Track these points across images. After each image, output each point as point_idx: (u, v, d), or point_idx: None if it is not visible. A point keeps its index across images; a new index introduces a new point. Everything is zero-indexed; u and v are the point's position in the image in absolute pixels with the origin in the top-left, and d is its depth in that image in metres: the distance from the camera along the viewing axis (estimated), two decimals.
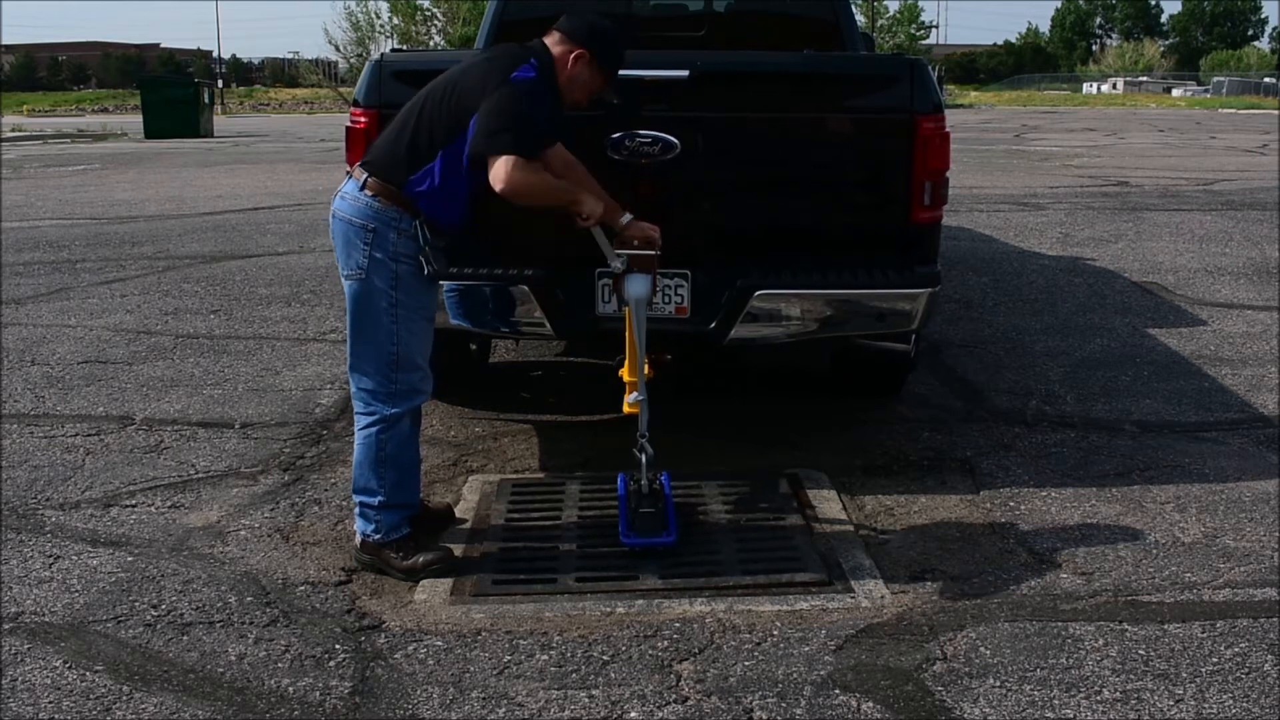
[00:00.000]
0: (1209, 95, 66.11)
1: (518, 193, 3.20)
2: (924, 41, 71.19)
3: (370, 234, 3.26)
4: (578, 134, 3.58)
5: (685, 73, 3.87)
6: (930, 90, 3.94)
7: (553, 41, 3.38)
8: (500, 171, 3.16)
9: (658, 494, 3.62)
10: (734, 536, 3.64)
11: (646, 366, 3.68)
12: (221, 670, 2.85)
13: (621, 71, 3.55)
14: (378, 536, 3.42)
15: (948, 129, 3.98)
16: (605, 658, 2.91)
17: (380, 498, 3.41)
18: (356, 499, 3.47)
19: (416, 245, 3.28)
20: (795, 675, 2.82)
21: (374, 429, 3.39)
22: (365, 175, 3.30)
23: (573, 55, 3.35)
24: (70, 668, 2.85)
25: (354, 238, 3.28)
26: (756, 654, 2.92)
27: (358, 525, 3.47)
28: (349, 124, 3.94)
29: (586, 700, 2.71)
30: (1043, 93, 74.00)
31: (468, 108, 3.24)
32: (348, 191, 3.33)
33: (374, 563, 3.43)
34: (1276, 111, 44.09)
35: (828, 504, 3.94)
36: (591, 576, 3.37)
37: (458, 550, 3.53)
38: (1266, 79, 69.94)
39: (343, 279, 3.37)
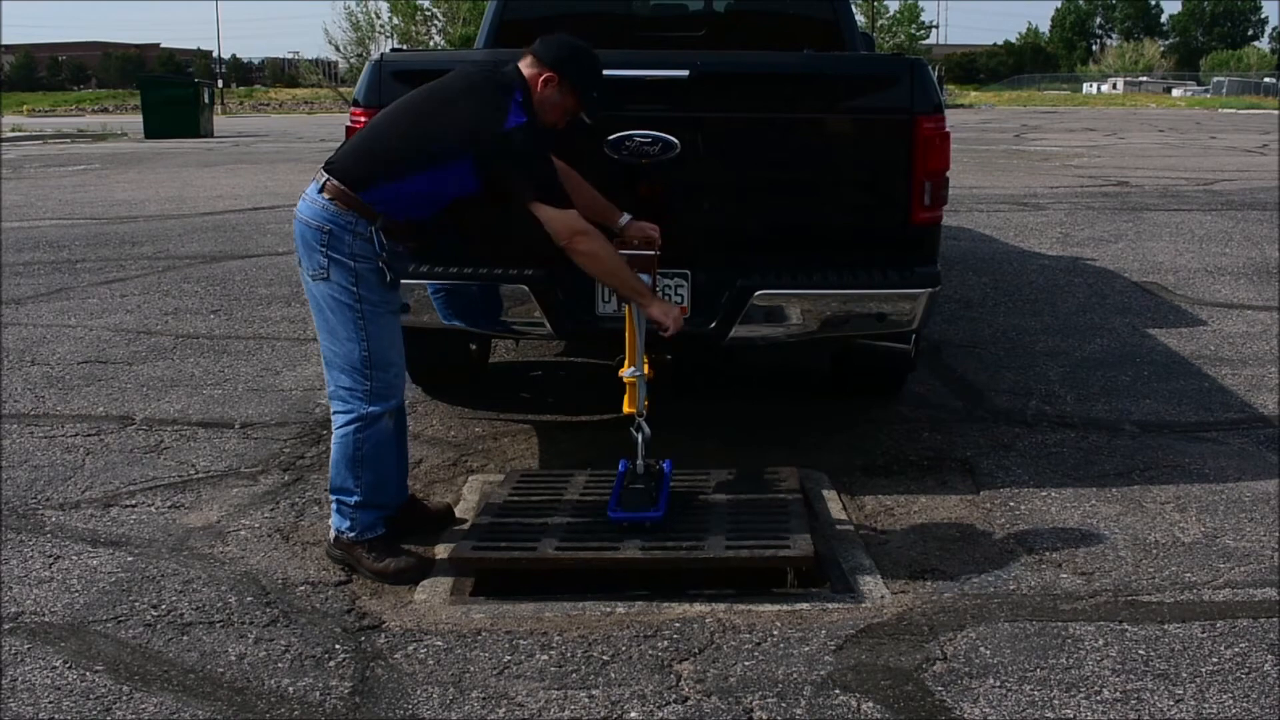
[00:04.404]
0: (1209, 95, 66.11)
1: (579, 257, 3.35)
2: (924, 41, 71.26)
3: (326, 235, 3.27)
4: (577, 134, 3.58)
5: (685, 73, 3.87)
6: (930, 90, 3.94)
7: (525, 65, 3.39)
8: (559, 227, 3.27)
9: (653, 474, 3.62)
10: (727, 518, 3.61)
11: (646, 367, 3.67)
12: (221, 670, 2.85)
13: (623, 72, 3.54)
14: (352, 535, 3.42)
15: (948, 129, 3.98)
16: (605, 658, 2.91)
17: (357, 497, 3.41)
18: (333, 497, 3.47)
19: (373, 249, 3.30)
20: (795, 675, 2.82)
21: (351, 428, 3.39)
22: (326, 178, 3.32)
23: (542, 78, 3.36)
24: (70, 668, 2.85)
25: (311, 239, 3.30)
26: (756, 654, 2.92)
27: (333, 520, 3.48)
28: (349, 124, 3.95)
29: (586, 700, 2.71)
30: (1043, 93, 74.01)
31: (458, 144, 3.27)
32: (309, 193, 3.35)
33: (345, 559, 3.43)
34: (1276, 111, 44.10)
35: (828, 504, 3.94)
36: (571, 546, 3.38)
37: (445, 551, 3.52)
38: (1266, 79, 69.96)
39: (305, 280, 3.38)
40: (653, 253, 3.56)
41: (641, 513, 3.48)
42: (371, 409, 3.37)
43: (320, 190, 3.30)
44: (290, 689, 2.77)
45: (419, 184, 3.30)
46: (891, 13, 66.34)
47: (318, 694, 2.75)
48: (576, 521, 3.58)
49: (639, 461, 3.60)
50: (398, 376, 3.45)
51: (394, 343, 3.42)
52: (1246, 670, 2.84)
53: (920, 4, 72.04)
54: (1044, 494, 4.06)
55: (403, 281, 3.52)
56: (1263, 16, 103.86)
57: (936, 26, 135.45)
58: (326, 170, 3.34)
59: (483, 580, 3.38)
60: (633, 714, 2.66)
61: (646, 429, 3.61)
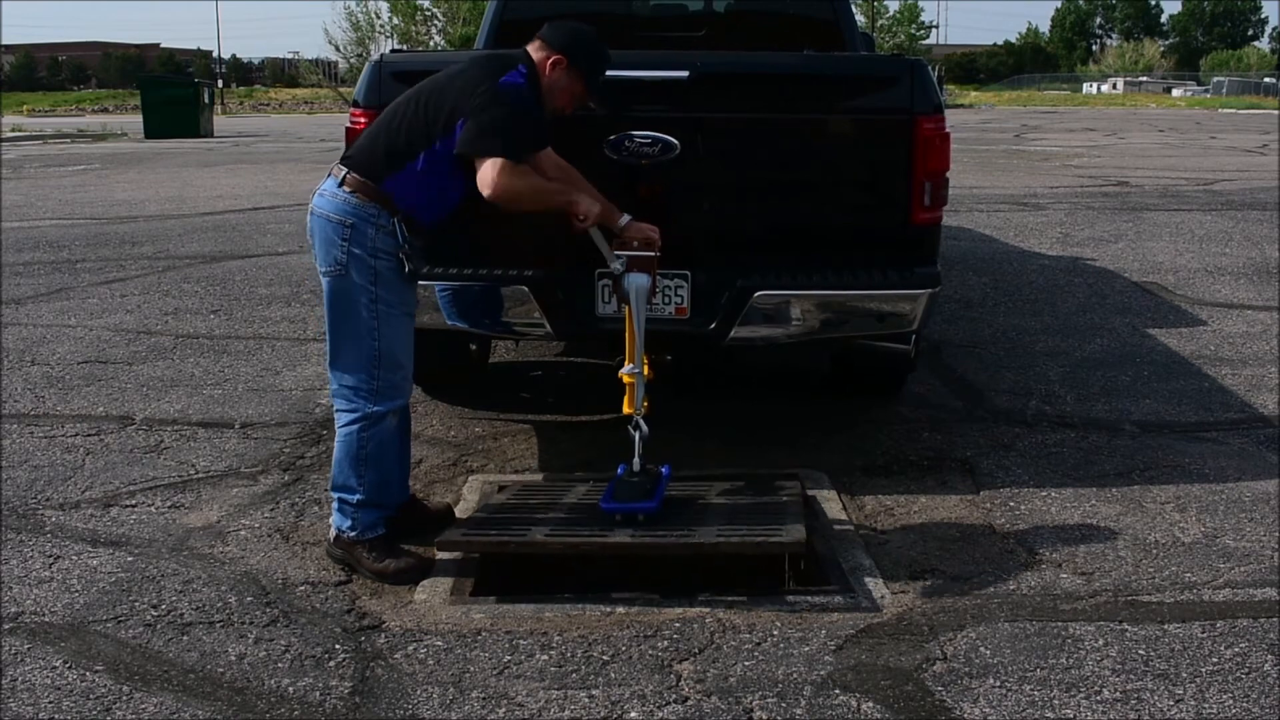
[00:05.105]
0: (1209, 95, 66.12)
1: (507, 197, 3.23)
2: (924, 41, 71.27)
3: (348, 230, 3.27)
4: (577, 134, 3.58)
5: (685, 73, 3.87)
6: (930, 91, 3.94)
7: (534, 48, 3.40)
8: (488, 175, 3.19)
9: (650, 473, 3.62)
10: (722, 514, 3.61)
11: (646, 367, 3.68)
12: (221, 670, 2.85)
13: (623, 72, 3.54)
14: (353, 534, 3.42)
15: (948, 129, 3.98)
16: (605, 658, 2.91)
17: (360, 496, 3.41)
18: (335, 495, 3.47)
19: (395, 242, 3.30)
20: (795, 675, 2.82)
21: (355, 426, 3.39)
22: (345, 172, 3.32)
23: (550, 61, 3.37)
24: (70, 668, 2.85)
25: (332, 234, 3.29)
26: (756, 654, 2.92)
27: (334, 520, 3.48)
28: (349, 124, 3.95)
29: (586, 700, 2.72)
30: (1043, 93, 74.02)
31: (453, 110, 3.26)
32: (326, 188, 3.34)
33: (345, 558, 3.44)
34: (1276, 111, 44.09)
35: (828, 504, 3.94)
36: (561, 533, 3.40)
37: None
38: (1266, 79, 69.98)
39: (321, 276, 3.38)
40: (653, 254, 3.56)
41: (635, 503, 3.48)
42: (376, 408, 3.37)
43: (340, 184, 3.30)
44: (290, 689, 2.77)
45: (423, 164, 3.29)
46: (891, 13, 66.41)
47: (318, 694, 2.75)
48: (570, 515, 3.60)
49: (635, 460, 3.60)
50: (405, 379, 3.45)
51: (405, 344, 3.42)
52: (1246, 670, 2.84)
53: (920, 4, 72.08)
54: (1044, 494, 4.06)
55: None
56: (1263, 16, 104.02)
57: (936, 26, 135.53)
58: (344, 164, 3.34)
59: (483, 580, 3.39)
60: (633, 714, 2.66)
61: (644, 427, 3.61)
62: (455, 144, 3.26)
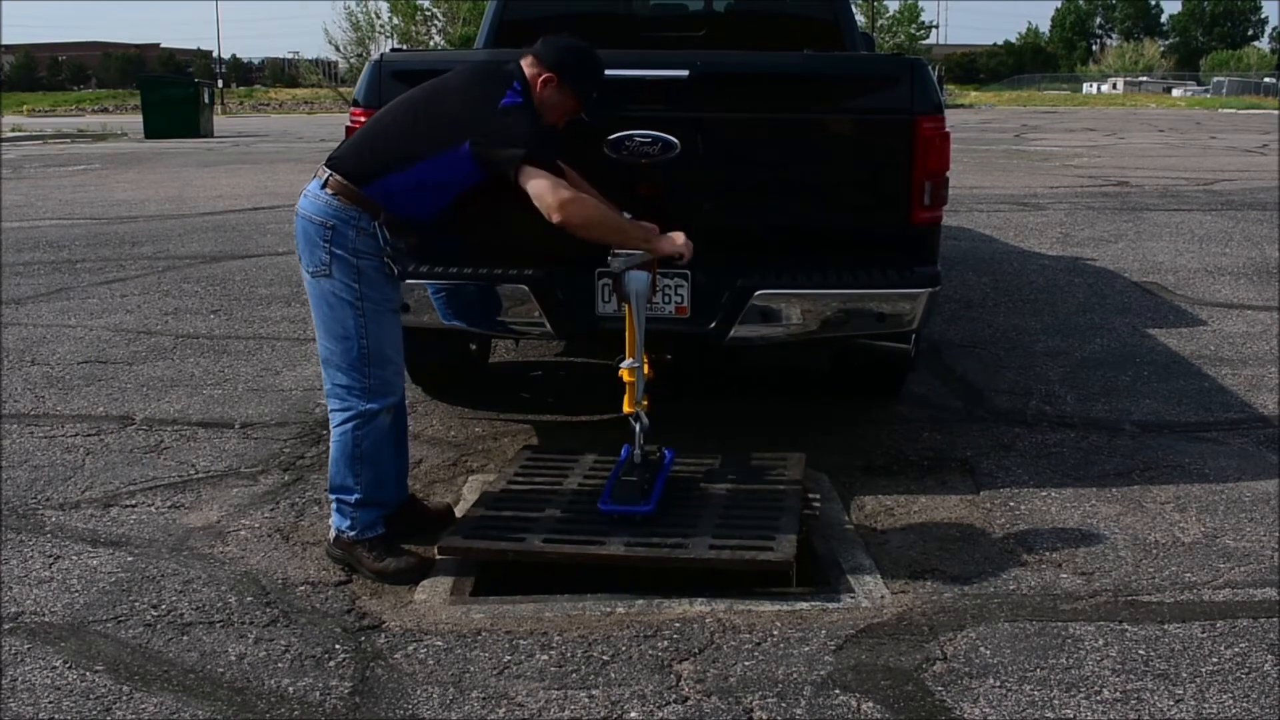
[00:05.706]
0: (1209, 95, 66.12)
1: (574, 226, 3.27)
2: (924, 41, 71.31)
3: (329, 231, 3.28)
4: (577, 134, 3.58)
5: (685, 73, 3.87)
6: (930, 90, 3.94)
7: (527, 64, 3.41)
8: (550, 201, 3.21)
9: (650, 464, 3.62)
10: (718, 513, 3.59)
11: (646, 367, 3.68)
12: (221, 670, 2.85)
13: (623, 72, 3.54)
14: (352, 534, 3.42)
15: (948, 129, 3.98)
16: (605, 658, 2.91)
17: (357, 495, 3.41)
18: (332, 496, 3.47)
19: (376, 244, 3.30)
20: (795, 675, 2.82)
21: (349, 425, 3.39)
22: (328, 174, 3.33)
23: (541, 79, 3.37)
24: (70, 668, 2.85)
25: (314, 234, 3.31)
26: (756, 654, 2.92)
27: (333, 520, 3.48)
28: (348, 124, 3.95)
29: (586, 700, 2.72)
30: (1043, 93, 74.03)
31: (454, 130, 3.27)
32: (310, 189, 3.36)
33: (345, 559, 3.44)
34: (1276, 111, 44.09)
35: (828, 504, 3.94)
36: (558, 539, 3.41)
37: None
38: (1266, 79, 69.98)
39: (306, 276, 3.38)
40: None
41: (631, 507, 3.49)
42: (369, 406, 3.37)
43: (323, 186, 3.31)
44: (290, 689, 2.77)
45: (417, 174, 3.30)
46: (891, 13, 66.45)
47: (318, 694, 2.75)
48: (569, 513, 3.60)
49: (636, 452, 3.61)
50: (396, 374, 3.46)
51: (394, 340, 3.43)
52: (1246, 670, 2.84)
53: (920, 4, 72.13)
54: (1044, 494, 4.06)
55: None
56: (1263, 16, 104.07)
57: (936, 26, 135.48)
58: (329, 166, 3.35)
59: (483, 580, 3.39)
60: (633, 714, 2.66)
61: (645, 419, 3.62)
62: (457, 160, 3.27)
